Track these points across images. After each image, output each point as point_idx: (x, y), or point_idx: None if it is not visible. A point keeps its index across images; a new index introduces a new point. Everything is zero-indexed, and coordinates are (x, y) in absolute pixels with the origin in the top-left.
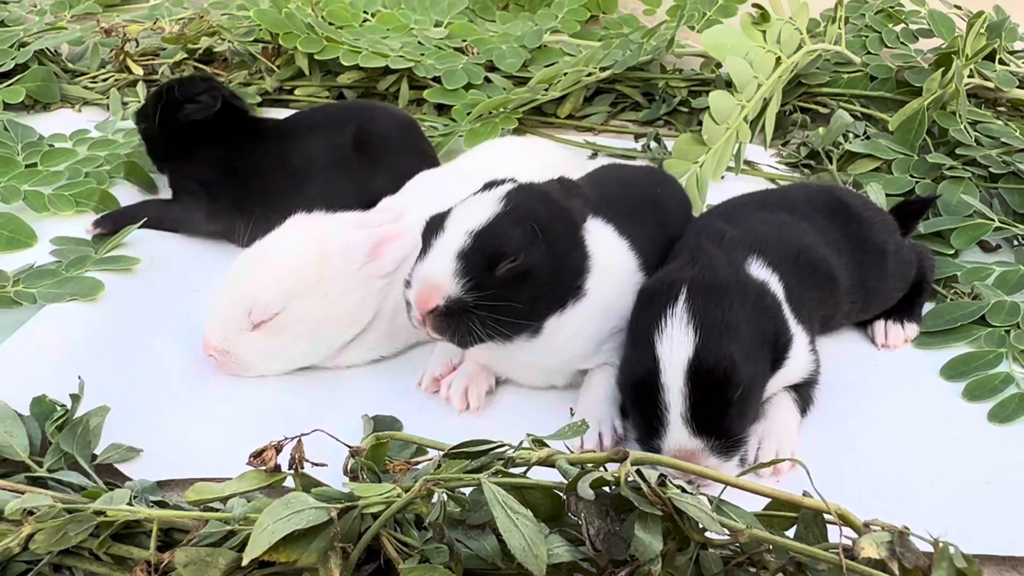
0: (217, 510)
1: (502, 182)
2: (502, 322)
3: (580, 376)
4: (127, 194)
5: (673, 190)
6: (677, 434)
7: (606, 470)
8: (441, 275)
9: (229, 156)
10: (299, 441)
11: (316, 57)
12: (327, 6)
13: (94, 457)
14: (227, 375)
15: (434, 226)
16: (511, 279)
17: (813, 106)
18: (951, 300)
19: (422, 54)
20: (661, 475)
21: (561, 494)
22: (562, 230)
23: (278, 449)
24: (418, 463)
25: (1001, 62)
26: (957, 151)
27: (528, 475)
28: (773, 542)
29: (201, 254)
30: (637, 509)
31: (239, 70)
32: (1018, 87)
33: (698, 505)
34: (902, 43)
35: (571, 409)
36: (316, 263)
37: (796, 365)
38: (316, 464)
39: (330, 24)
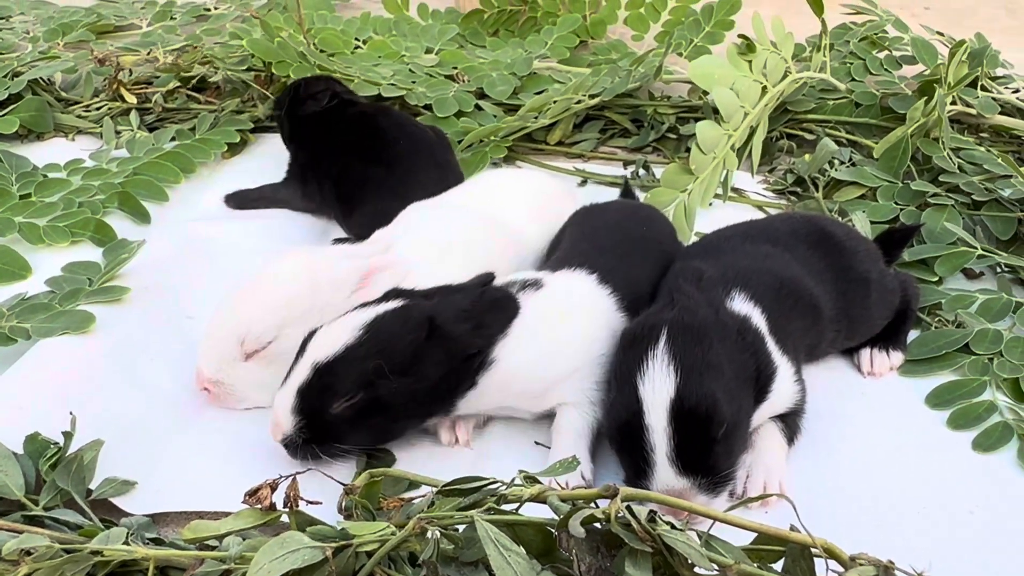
0: (213, 548)
1: (396, 297)
2: (353, 446)
3: None
4: (122, 224)
5: (662, 225)
6: (664, 474)
7: (597, 506)
8: (281, 412)
9: (318, 145)
10: (294, 480)
11: None
12: (318, 34)
13: (89, 492)
14: (221, 408)
15: (305, 343)
16: (352, 415)
17: (799, 132)
18: (935, 328)
19: (413, 82)
20: (651, 511)
21: (552, 530)
22: (435, 358)
23: (273, 487)
24: (412, 499)
25: (983, 88)
26: (941, 178)
27: (520, 511)
28: None
29: (194, 281)
30: (627, 546)
31: (232, 97)
32: (1000, 113)
33: (687, 541)
34: (886, 70)
35: (536, 441)
36: (307, 293)
37: (781, 396)
38: (311, 502)
39: (322, 52)
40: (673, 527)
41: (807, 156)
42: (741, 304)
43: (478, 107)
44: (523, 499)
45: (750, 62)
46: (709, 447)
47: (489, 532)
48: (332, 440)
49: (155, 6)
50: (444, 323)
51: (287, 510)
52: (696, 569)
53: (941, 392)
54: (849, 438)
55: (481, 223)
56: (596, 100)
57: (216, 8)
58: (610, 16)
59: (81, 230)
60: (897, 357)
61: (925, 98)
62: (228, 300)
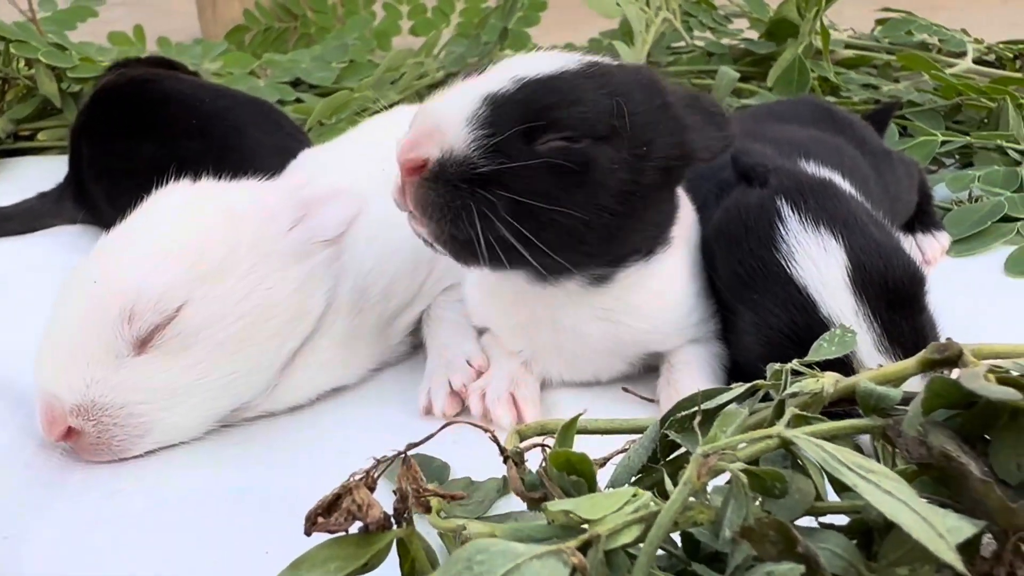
0: None
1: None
2: (533, 227)
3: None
4: None
5: None
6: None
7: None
8: (448, 116)
9: (97, 134)
10: (408, 461)
11: (71, 75)
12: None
13: None
14: (96, 462)
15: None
16: (558, 166)
17: None
18: (957, 207)
19: None
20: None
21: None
22: (664, 144)
23: (371, 485)
24: (606, 461)
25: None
26: (842, 95)
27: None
28: None
29: None
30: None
31: None
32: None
33: None
34: (720, 25)
35: (624, 387)
36: (226, 228)
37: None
38: (452, 498)
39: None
40: None
41: None
42: (818, 169)
43: (299, 100)
44: (827, 397)
45: None
46: (920, 317)
47: (835, 454)
48: (509, 191)
49: None
50: (675, 104)
51: (403, 523)
52: None
53: (1020, 257)
54: (963, 329)
55: None
56: (443, 72)
57: None
58: (392, 27)
59: None
60: (944, 236)
61: (816, 10)
62: (83, 268)
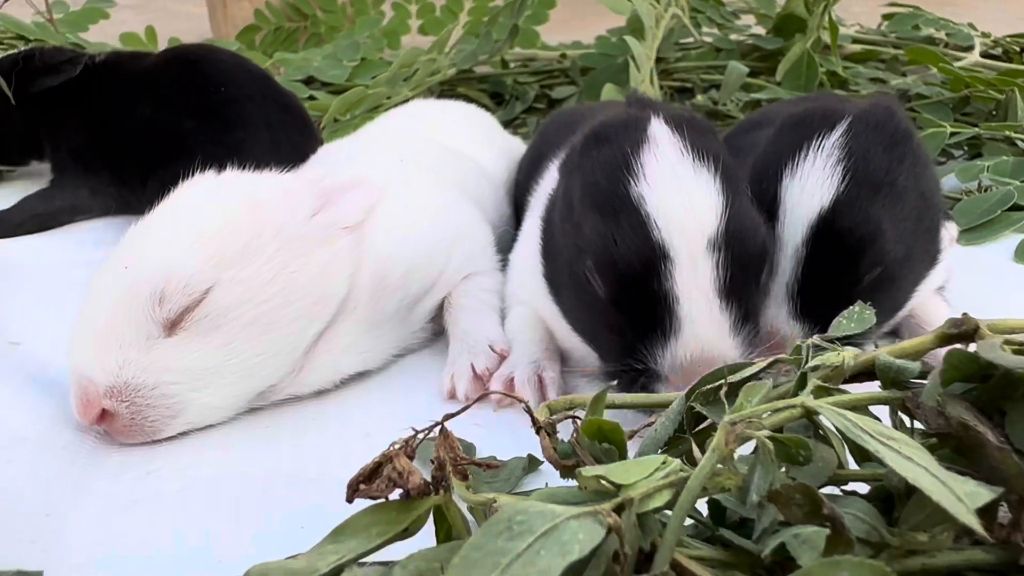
0: None
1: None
2: None
3: None
4: None
5: None
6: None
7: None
8: (714, 333)
9: (92, 115)
10: (445, 431)
11: None
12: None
13: None
14: (130, 443)
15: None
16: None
17: (672, 83)
18: (967, 197)
19: None
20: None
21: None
22: None
23: (410, 454)
24: (634, 434)
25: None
26: (850, 88)
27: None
28: None
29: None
30: None
31: None
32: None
33: None
34: (728, 21)
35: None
36: (249, 214)
37: (945, 262)
38: (488, 465)
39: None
40: None
41: (700, 97)
42: None
43: (312, 97)
44: (847, 371)
45: None
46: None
47: (857, 422)
48: None
49: None
50: None
51: (442, 494)
52: None
53: None
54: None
55: (440, 149)
56: (454, 69)
57: None
58: (401, 26)
59: None
60: (953, 227)
61: (824, 5)
62: (113, 256)
